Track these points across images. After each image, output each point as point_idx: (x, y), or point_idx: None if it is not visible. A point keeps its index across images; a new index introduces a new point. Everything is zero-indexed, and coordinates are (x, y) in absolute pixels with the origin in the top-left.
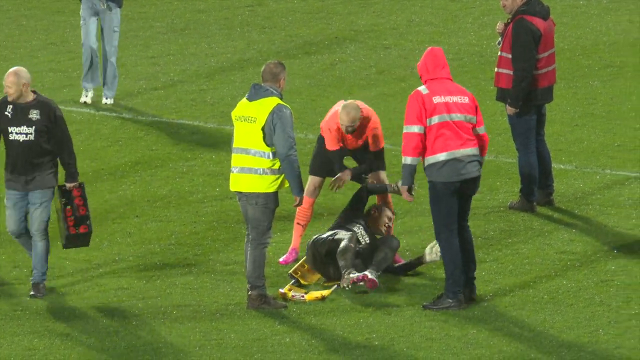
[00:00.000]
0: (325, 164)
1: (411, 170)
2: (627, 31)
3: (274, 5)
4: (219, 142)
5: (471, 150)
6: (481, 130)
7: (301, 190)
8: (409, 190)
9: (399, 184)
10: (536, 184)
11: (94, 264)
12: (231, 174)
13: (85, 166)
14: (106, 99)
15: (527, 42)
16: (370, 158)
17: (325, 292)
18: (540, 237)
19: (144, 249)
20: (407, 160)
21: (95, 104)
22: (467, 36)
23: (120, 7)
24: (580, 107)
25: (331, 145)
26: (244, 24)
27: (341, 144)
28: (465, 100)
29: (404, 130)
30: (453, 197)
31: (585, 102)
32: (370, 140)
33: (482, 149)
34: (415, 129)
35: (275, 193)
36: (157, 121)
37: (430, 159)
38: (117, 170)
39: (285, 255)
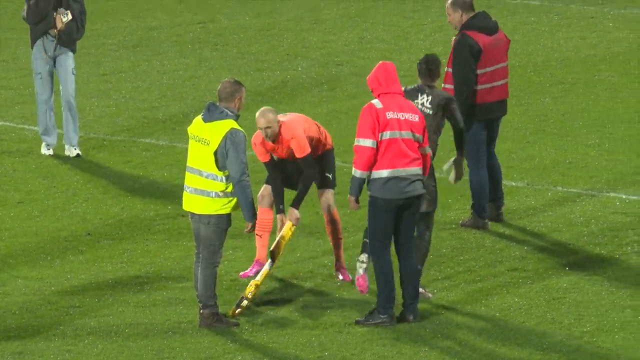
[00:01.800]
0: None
1: (360, 183)
2: (578, 48)
3: (226, 22)
4: (171, 160)
5: (416, 169)
6: (427, 149)
7: (253, 216)
8: (357, 200)
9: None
10: (487, 201)
11: (46, 282)
12: (184, 192)
13: (37, 184)
14: (74, 148)
15: (463, 58)
16: (304, 169)
17: (258, 279)
18: (492, 254)
19: (96, 267)
20: (357, 173)
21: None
22: (418, 53)
23: (74, 52)
24: (531, 124)
25: (261, 157)
26: (196, 41)
27: (269, 156)
28: (416, 118)
29: (356, 143)
30: (392, 214)
31: (536, 119)
32: (293, 147)
33: (425, 168)
34: (369, 142)
35: (228, 214)
36: (109, 138)
37: (375, 174)
38: (69, 188)
39: (248, 269)
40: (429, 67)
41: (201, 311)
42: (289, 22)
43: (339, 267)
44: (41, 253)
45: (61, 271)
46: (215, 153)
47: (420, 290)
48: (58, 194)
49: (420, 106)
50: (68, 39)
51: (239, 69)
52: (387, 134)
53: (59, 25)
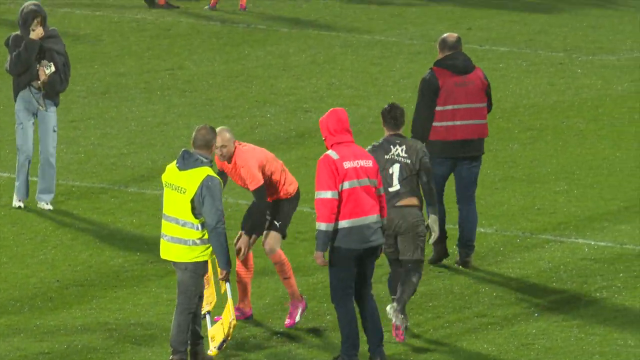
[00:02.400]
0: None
1: (327, 237)
2: (546, 94)
3: (194, 68)
4: (140, 206)
5: (376, 217)
6: (381, 191)
7: (228, 263)
8: (321, 256)
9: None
10: (444, 233)
11: (15, 328)
12: (162, 240)
13: (6, 230)
14: (46, 204)
15: (422, 92)
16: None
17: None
18: (461, 300)
19: (65, 314)
20: (322, 226)
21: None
22: (387, 99)
23: (57, 104)
24: (500, 170)
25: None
26: (164, 88)
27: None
28: (370, 164)
29: (317, 197)
30: (354, 263)
31: (505, 165)
32: (244, 175)
33: (382, 209)
34: (329, 194)
35: (206, 261)
36: (78, 185)
37: (337, 225)
38: (38, 234)
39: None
40: (393, 116)
41: (171, 357)
42: (257, 69)
43: (291, 304)
44: (10, 300)
45: (30, 317)
46: (192, 201)
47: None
48: (27, 240)
49: (396, 157)
50: (51, 91)
51: (207, 116)
52: (346, 184)
53: (42, 77)
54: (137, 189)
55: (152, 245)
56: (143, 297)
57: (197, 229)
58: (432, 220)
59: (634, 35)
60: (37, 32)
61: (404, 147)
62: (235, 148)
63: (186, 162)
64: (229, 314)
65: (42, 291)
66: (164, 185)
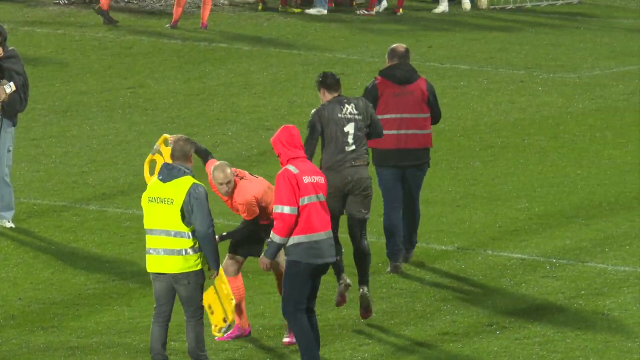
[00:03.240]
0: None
1: (278, 248)
2: (507, 112)
3: (155, 87)
4: (101, 224)
5: (329, 232)
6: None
7: (218, 263)
8: (269, 264)
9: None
10: (397, 245)
11: None
12: (149, 255)
13: None
14: (7, 221)
15: None
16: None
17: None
18: (423, 318)
19: (27, 332)
20: (276, 238)
21: None
22: None
23: (14, 125)
24: (461, 187)
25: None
26: (126, 106)
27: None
28: (322, 180)
29: (277, 211)
30: (310, 277)
31: (466, 182)
32: (241, 210)
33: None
34: (287, 209)
35: (202, 269)
36: (39, 203)
37: (295, 239)
38: (0, 252)
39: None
40: (331, 80)
41: None
42: (218, 87)
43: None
44: None
45: None
46: (181, 209)
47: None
48: None
49: (349, 115)
50: (11, 111)
51: (169, 134)
52: (305, 199)
53: (2, 96)
54: (99, 207)
55: (113, 263)
56: (105, 315)
57: (189, 237)
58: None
59: (594, 53)
60: None
61: (352, 104)
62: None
63: (169, 173)
64: (223, 287)
65: (3, 309)
66: (146, 203)
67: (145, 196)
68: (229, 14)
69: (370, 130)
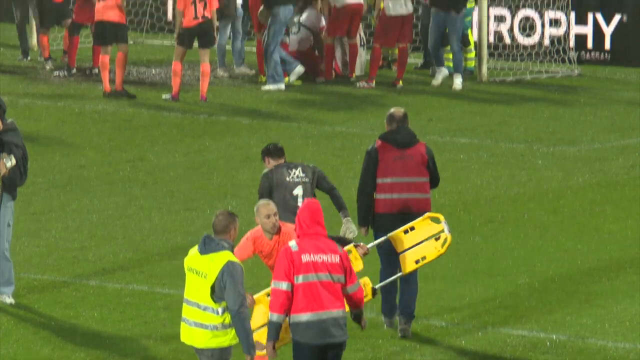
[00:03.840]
0: None
1: (277, 327)
2: (507, 186)
3: (155, 160)
4: (102, 300)
5: (336, 312)
6: (352, 289)
7: (252, 347)
8: (274, 347)
9: None
10: (393, 303)
11: None
12: (183, 324)
13: None
14: (7, 297)
15: (364, 166)
16: None
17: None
18: None
19: None
20: (273, 317)
21: None
22: (348, 191)
23: (14, 199)
24: (461, 263)
25: (240, 253)
26: (126, 180)
27: (246, 256)
28: (336, 259)
29: (272, 286)
30: (313, 357)
31: (466, 257)
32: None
33: (353, 305)
34: (284, 285)
35: (230, 346)
36: (39, 279)
37: (295, 318)
38: (0, 328)
39: None
40: (276, 149)
41: None
42: (218, 160)
43: None
44: None
45: None
46: (213, 286)
47: None
48: None
49: (297, 179)
50: (11, 185)
51: (168, 208)
52: (301, 278)
53: (3, 170)
54: (99, 282)
55: (113, 339)
56: None
57: (218, 313)
58: (347, 222)
59: (594, 126)
60: None
61: (299, 168)
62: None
63: (207, 246)
64: None
65: None
66: (186, 270)
67: (185, 263)
68: (229, 86)
69: (321, 188)
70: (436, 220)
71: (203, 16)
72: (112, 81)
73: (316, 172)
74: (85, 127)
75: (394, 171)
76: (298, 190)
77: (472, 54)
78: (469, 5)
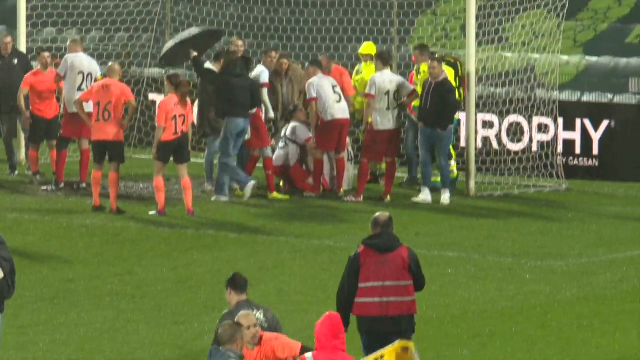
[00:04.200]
0: None
1: None
2: (495, 300)
3: (143, 274)
4: None
5: None
6: None
7: None
8: None
9: None
10: None
11: None
12: None
13: None
14: None
15: (346, 270)
16: None
17: None
18: None
19: None
20: None
21: None
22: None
23: (2, 312)
24: None
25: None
26: (113, 293)
27: None
28: None
29: None
30: None
31: None
32: (278, 346)
33: None
34: None
35: None
36: None
37: None
38: None
39: None
40: (239, 282)
41: None
42: (206, 275)
43: None
44: None
45: None
46: None
47: None
48: None
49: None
50: None
51: (157, 322)
52: None
53: None
54: None
55: None
56: None
57: None
58: None
59: (582, 240)
60: None
61: (261, 311)
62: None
63: (214, 358)
64: None
65: None
66: None
67: None
68: (216, 201)
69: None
70: (406, 350)
71: (182, 131)
72: (100, 195)
73: (275, 320)
74: (73, 241)
75: (376, 275)
76: None
77: (453, 166)
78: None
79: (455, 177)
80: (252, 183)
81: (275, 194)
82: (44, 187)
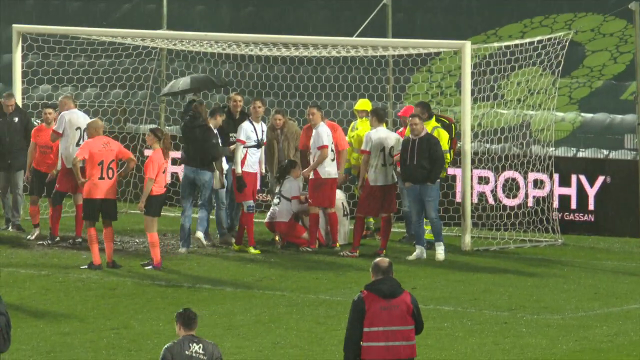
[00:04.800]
0: None
1: None
2: (491, 353)
3: (139, 327)
4: None
5: None
6: None
7: None
8: None
9: None
10: None
11: None
12: None
13: None
14: None
15: (351, 315)
16: None
17: None
18: None
19: None
20: None
21: None
22: (333, 358)
23: None
24: None
25: None
26: (110, 347)
27: None
28: None
29: None
30: None
31: None
32: None
33: None
34: None
35: None
36: None
37: None
38: None
39: None
40: (187, 317)
41: None
42: (202, 328)
43: None
44: None
45: None
46: None
47: None
48: None
49: (194, 354)
50: None
51: None
52: None
53: None
54: None
55: None
56: None
57: None
58: None
59: (578, 294)
60: None
61: (201, 345)
62: None
63: None
64: None
65: None
66: None
67: None
68: (212, 255)
69: None
70: None
71: (166, 185)
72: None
73: (215, 355)
74: (69, 295)
75: (381, 320)
76: None
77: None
78: (442, 175)
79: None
80: (198, 233)
81: (250, 249)
82: (40, 242)
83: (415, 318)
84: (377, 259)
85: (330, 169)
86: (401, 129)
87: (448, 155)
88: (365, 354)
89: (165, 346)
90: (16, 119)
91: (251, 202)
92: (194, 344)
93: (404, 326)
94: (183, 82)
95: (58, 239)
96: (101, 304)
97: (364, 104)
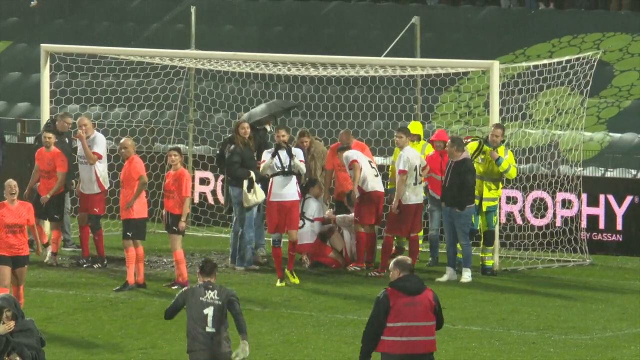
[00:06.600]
0: None
1: None
2: None
3: (167, 347)
4: None
5: None
6: None
7: None
8: None
9: None
10: None
11: None
12: None
13: None
14: None
15: (375, 311)
16: None
17: None
18: None
19: None
20: None
21: None
22: None
23: None
24: None
25: None
26: None
27: None
28: None
29: None
30: None
31: None
32: None
33: None
34: None
35: None
36: None
37: None
38: None
39: None
40: (206, 267)
41: None
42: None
43: None
44: None
45: None
46: None
47: None
48: None
49: (210, 300)
50: None
51: None
52: None
53: None
54: None
55: None
56: None
57: None
58: (244, 344)
59: (606, 315)
60: (5, 327)
61: (215, 291)
62: None
63: None
64: None
65: None
66: None
67: None
68: (240, 275)
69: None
70: None
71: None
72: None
73: (228, 297)
74: (97, 315)
75: (405, 316)
76: (209, 311)
77: (490, 254)
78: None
79: (491, 265)
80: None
81: (285, 281)
82: (81, 262)
83: (437, 314)
84: (399, 257)
85: (374, 184)
86: (432, 153)
87: (514, 169)
88: (387, 347)
89: (182, 289)
90: (67, 139)
91: (275, 236)
92: (209, 291)
93: (426, 322)
94: (260, 109)
95: (105, 261)
96: (129, 323)
97: (415, 127)
